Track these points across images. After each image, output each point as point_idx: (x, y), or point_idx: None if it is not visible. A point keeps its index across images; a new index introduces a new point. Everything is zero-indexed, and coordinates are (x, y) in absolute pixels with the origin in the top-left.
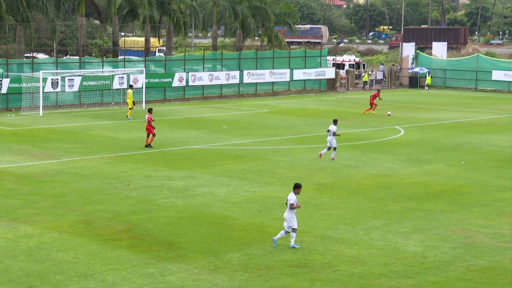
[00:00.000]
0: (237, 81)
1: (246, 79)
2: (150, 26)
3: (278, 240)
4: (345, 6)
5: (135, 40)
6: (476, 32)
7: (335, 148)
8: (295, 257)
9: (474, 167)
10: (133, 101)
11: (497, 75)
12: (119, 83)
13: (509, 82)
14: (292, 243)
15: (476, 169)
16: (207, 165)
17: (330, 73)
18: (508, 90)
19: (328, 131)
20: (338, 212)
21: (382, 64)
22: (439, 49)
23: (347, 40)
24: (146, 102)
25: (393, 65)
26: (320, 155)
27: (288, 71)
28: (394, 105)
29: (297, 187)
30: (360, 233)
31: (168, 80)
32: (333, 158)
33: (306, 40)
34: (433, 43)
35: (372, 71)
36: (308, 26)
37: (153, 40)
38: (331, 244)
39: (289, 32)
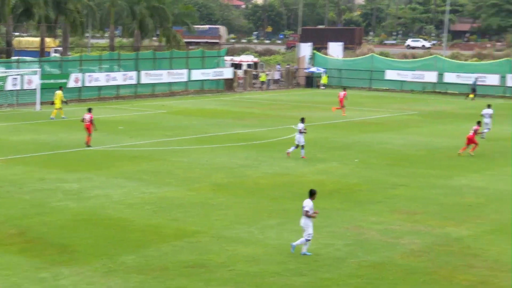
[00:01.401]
0: (134, 81)
1: (144, 80)
2: (45, 26)
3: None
4: (243, 6)
5: (30, 41)
6: (371, 33)
7: (303, 146)
8: (191, 258)
9: (367, 165)
10: (64, 101)
11: (390, 74)
12: (13, 84)
13: (402, 81)
14: (304, 250)
15: (369, 167)
16: (103, 166)
17: (228, 73)
18: (401, 89)
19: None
20: (235, 211)
21: (278, 64)
22: (335, 49)
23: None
24: (42, 103)
25: (288, 65)
26: (288, 153)
27: (186, 71)
28: (291, 104)
29: (312, 194)
30: (256, 232)
31: (63, 81)
32: (303, 157)
33: (205, 40)
34: (329, 43)
35: (269, 71)
36: (207, 26)
37: (49, 40)
38: (227, 243)
39: (187, 32)
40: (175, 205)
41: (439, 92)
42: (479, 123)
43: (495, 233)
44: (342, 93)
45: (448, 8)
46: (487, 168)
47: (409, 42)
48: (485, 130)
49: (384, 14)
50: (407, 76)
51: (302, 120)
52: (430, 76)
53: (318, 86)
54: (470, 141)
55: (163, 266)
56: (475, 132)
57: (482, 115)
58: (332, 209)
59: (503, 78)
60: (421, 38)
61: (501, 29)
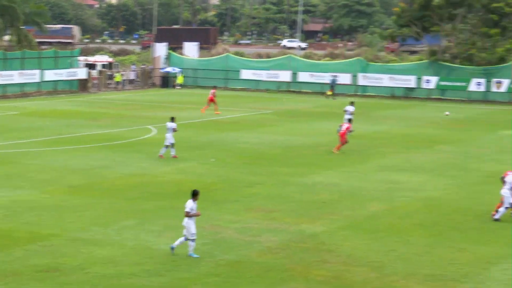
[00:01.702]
0: None
1: None
2: None
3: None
4: (97, 5)
5: None
6: (226, 32)
7: (173, 145)
8: (44, 262)
9: (224, 164)
10: None
11: (246, 74)
12: None
13: (258, 81)
14: (190, 251)
15: (226, 166)
16: None
17: (82, 73)
18: (256, 89)
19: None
20: (91, 213)
21: (133, 64)
22: (191, 49)
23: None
24: None
25: (144, 65)
26: (161, 156)
27: (38, 72)
28: (147, 104)
29: (195, 194)
30: (113, 234)
31: None
32: (174, 156)
33: (57, 40)
34: (185, 43)
35: (124, 71)
36: (59, 26)
37: None
38: (82, 246)
39: (39, 32)
40: (28, 208)
41: (294, 91)
42: (350, 120)
43: (348, 229)
44: (212, 91)
45: (301, 8)
46: (341, 165)
47: (285, 42)
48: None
49: (238, 14)
50: (262, 75)
51: (172, 119)
52: (285, 76)
53: (174, 86)
54: (342, 138)
55: (15, 271)
56: (347, 130)
57: (345, 111)
58: None
59: (354, 77)
60: (279, 38)
61: (352, 29)
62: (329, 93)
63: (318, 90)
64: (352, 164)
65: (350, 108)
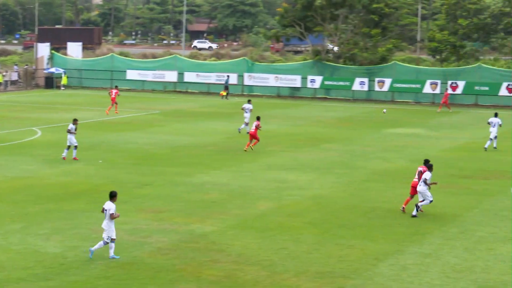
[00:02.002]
0: None
1: None
2: None
3: (95, 250)
4: None
5: None
6: (110, 33)
7: (75, 147)
8: None
9: (112, 165)
10: None
11: (131, 74)
12: None
13: (144, 81)
14: (111, 254)
15: (114, 167)
16: None
17: None
18: (142, 89)
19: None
20: None
21: (16, 64)
22: (74, 49)
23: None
24: None
25: (27, 65)
26: (64, 157)
27: None
28: (31, 106)
29: (113, 196)
30: None
31: None
32: (74, 158)
33: None
34: (68, 43)
35: (6, 71)
36: None
37: None
38: None
39: None
40: None
41: (180, 91)
42: (258, 118)
43: (238, 228)
44: (114, 91)
45: (185, 8)
46: (230, 164)
47: (195, 43)
48: (243, 126)
49: (122, 14)
50: (148, 75)
51: (75, 121)
52: (171, 76)
53: (58, 87)
54: (253, 136)
55: None
56: (257, 127)
57: (243, 109)
58: (77, 211)
59: (240, 77)
60: (164, 38)
61: (237, 29)
62: (223, 93)
63: (204, 90)
64: (240, 164)
65: (249, 106)
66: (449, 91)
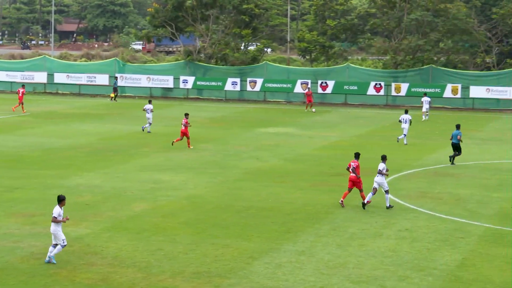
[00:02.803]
0: None
1: None
2: None
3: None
4: None
5: None
6: None
7: None
8: None
9: None
10: None
11: None
12: None
13: (12, 82)
14: (50, 255)
15: None
16: None
17: None
18: (11, 91)
19: None
20: None
21: None
22: None
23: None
24: None
25: None
26: None
27: None
28: None
29: (62, 200)
30: None
31: None
32: None
33: None
34: None
35: None
36: None
37: None
38: None
39: None
40: None
41: (50, 93)
42: (186, 115)
43: (113, 230)
44: (21, 90)
45: (53, 8)
46: (103, 166)
47: (133, 45)
48: (147, 125)
49: None
50: (17, 76)
51: None
52: (40, 77)
53: None
54: (184, 134)
55: None
56: (186, 125)
57: (145, 110)
58: None
59: (111, 77)
60: (32, 38)
61: (107, 29)
62: (112, 95)
63: (75, 91)
64: (113, 165)
65: (149, 106)
66: (308, 91)
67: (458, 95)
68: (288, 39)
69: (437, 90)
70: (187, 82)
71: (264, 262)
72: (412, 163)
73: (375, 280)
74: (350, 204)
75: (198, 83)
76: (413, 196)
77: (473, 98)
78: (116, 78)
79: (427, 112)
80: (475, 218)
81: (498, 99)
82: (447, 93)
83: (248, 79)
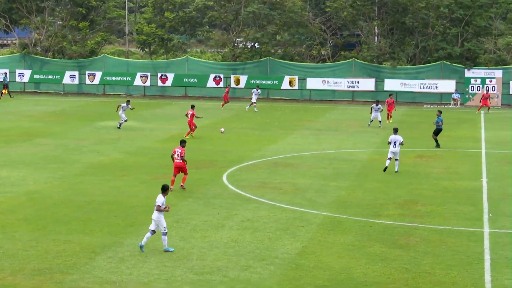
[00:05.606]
0: None
1: None
2: None
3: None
4: None
5: None
6: None
7: None
8: None
9: None
10: None
11: None
12: None
13: None
14: (166, 246)
15: None
16: None
17: None
18: None
19: None
20: None
21: None
22: None
23: None
24: None
25: None
26: None
27: None
28: None
29: (166, 189)
30: None
31: None
32: None
33: None
34: None
35: None
36: None
37: None
38: None
39: None
40: None
41: None
42: (193, 107)
43: None
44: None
45: None
46: None
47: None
48: (122, 121)
49: None
50: None
51: None
52: None
53: None
54: (191, 124)
55: None
56: (192, 116)
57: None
58: None
59: None
60: None
61: None
62: (4, 92)
63: None
64: None
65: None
66: (229, 86)
67: (296, 87)
68: (127, 32)
69: (275, 82)
70: (23, 76)
71: (107, 256)
72: (252, 154)
73: (218, 270)
74: (193, 196)
75: (35, 76)
76: (254, 186)
77: (310, 90)
78: (5, 73)
79: (255, 103)
80: (314, 206)
81: (334, 90)
82: (285, 85)
83: (87, 72)
